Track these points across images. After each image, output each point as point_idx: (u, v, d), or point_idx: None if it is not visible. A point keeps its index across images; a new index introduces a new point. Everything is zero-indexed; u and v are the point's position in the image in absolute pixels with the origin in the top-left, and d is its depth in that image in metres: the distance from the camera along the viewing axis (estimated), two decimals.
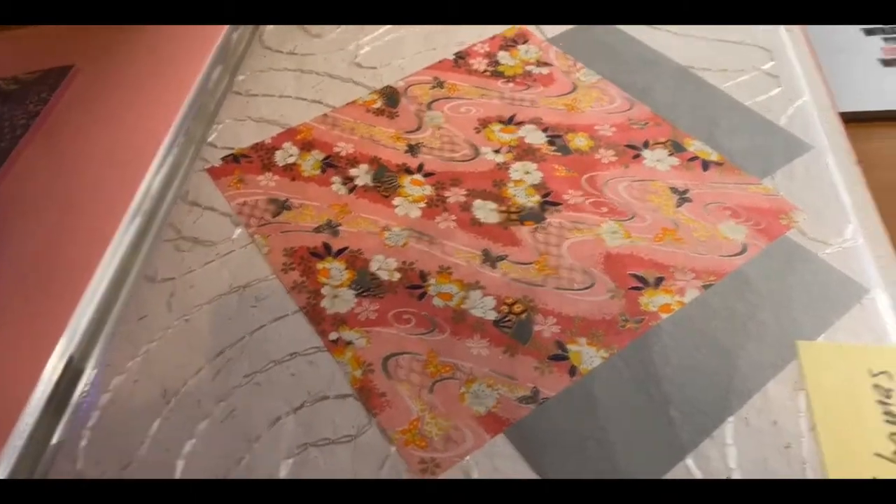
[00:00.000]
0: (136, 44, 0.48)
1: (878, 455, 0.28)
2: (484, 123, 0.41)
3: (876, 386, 0.30)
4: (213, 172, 0.40)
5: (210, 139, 0.42)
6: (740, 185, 0.37)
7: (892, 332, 0.32)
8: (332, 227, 0.37)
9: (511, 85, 0.44)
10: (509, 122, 0.41)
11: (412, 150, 0.41)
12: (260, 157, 0.41)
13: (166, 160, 0.41)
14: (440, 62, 0.46)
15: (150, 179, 0.40)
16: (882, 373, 0.30)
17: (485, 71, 0.45)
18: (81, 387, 0.32)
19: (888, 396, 0.29)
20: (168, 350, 0.33)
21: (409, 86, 0.44)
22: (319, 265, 0.35)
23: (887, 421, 0.28)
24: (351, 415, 0.30)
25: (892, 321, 0.32)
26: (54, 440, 0.30)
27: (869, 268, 0.34)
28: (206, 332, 0.33)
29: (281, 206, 0.38)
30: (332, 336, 0.33)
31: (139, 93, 0.44)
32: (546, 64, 0.45)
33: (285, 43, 0.48)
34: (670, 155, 0.39)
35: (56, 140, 0.42)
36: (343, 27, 0.49)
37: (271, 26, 0.50)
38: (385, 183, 0.39)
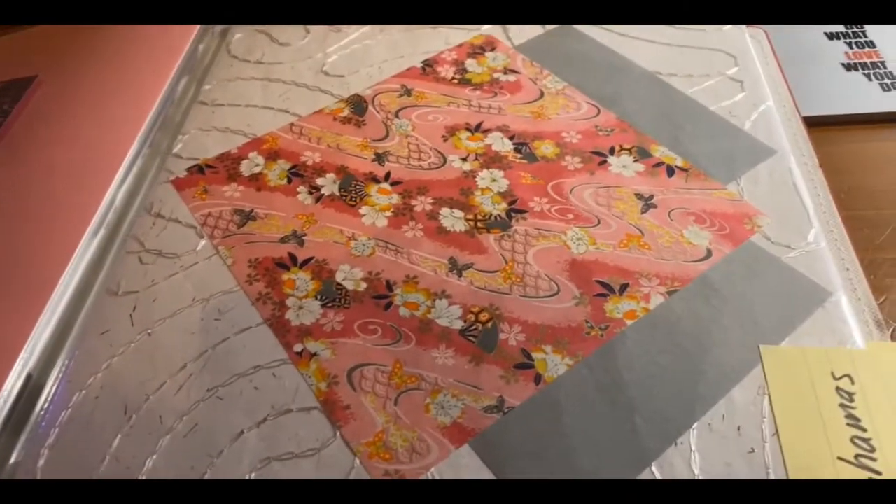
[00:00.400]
0: (101, 54, 0.47)
1: (841, 459, 0.28)
2: (451, 131, 0.41)
3: (838, 389, 0.30)
4: (178, 183, 0.40)
5: (175, 150, 0.42)
6: (705, 190, 0.37)
7: (855, 334, 0.32)
8: (297, 238, 0.37)
9: (478, 92, 0.44)
10: (476, 129, 0.41)
11: (379, 158, 0.40)
12: (225, 167, 0.40)
13: (130, 171, 0.40)
14: (408, 70, 0.45)
15: (114, 191, 0.39)
16: (844, 376, 0.30)
17: (452, 79, 0.45)
18: (41, 404, 0.32)
19: (850, 400, 0.29)
20: (130, 365, 0.32)
21: (377, 94, 0.44)
22: (284, 276, 0.35)
23: (849, 424, 0.29)
24: (315, 428, 0.30)
25: (854, 324, 0.32)
26: (11, 460, 0.30)
27: (831, 271, 0.34)
28: (169, 346, 0.33)
29: (246, 217, 0.38)
30: (297, 348, 0.32)
31: (104, 103, 0.44)
32: (513, 71, 0.45)
33: (252, 52, 0.48)
34: (636, 161, 0.39)
35: (19, 152, 0.41)
36: (310, 36, 0.49)
37: (238, 35, 0.49)
38: (352, 192, 0.39)
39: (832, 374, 0.30)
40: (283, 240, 0.37)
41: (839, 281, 0.34)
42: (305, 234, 0.37)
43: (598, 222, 0.36)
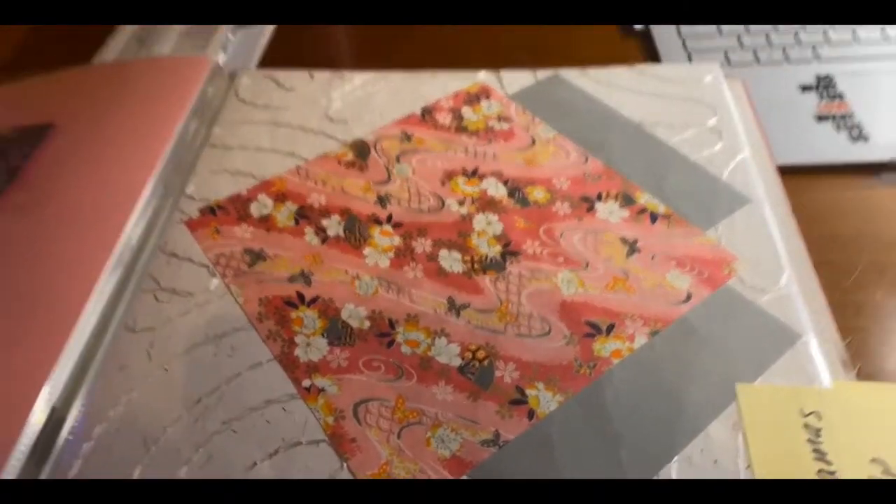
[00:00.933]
0: (113, 98, 0.50)
1: None
2: (449, 176, 0.44)
3: (806, 425, 0.32)
4: (191, 224, 0.42)
5: (188, 191, 0.44)
6: (685, 236, 0.40)
7: (822, 373, 0.35)
8: (305, 277, 0.39)
9: (474, 139, 0.46)
10: (473, 174, 0.44)
11: (381, 201, 0.43)
12: (236, 208, 0.43)
13: (145, 213, 0.42)
14: (408, 117, 0.48)
15: (130, 232, 0.41)
16: (812, 413, 0.33)
17: (449, 126, 0.47)
18: (63, 436, 0.34)
19: (817, 435, 0.32)
20: (148, 399, 0.35)
21: (379, 139, 0.47)
22: (293, 314, 0.37)
23: (816, 458, 0.31)
24: (323, 460, 0.32)
25: (822, 364, 0.35)
26: None
27: (801, 314, 0.37)
28: (184, 381, 0.35)
29: (256, 257, 0.40)
30: (306, 383, 0.35)
31: (118, 146, 0.46)
32: (507, 119, 0.48)
33: (260, 96, 0.51)
34: (621, 207, 0.42)
35: (37, 195, 0.44)
36: (315, 82, 0.51)
37: (246, 79, 0.52)
38: (356, 233, 0.41)
39: (801, 410, 0.33)
40: (291, 279, 0.39)
41: (809, 323, 0.36)
42: (312, 274, 0.39)
43: (587, 265, 0.39)
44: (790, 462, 0.31)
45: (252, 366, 0.36)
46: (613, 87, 0.49)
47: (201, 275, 0.40)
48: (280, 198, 0.43)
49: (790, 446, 0.32)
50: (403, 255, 0.40)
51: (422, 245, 0.40)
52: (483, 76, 0.51)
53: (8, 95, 0.53)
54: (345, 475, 0.32)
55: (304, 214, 0.42)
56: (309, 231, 0.41)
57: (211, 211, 0.43)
